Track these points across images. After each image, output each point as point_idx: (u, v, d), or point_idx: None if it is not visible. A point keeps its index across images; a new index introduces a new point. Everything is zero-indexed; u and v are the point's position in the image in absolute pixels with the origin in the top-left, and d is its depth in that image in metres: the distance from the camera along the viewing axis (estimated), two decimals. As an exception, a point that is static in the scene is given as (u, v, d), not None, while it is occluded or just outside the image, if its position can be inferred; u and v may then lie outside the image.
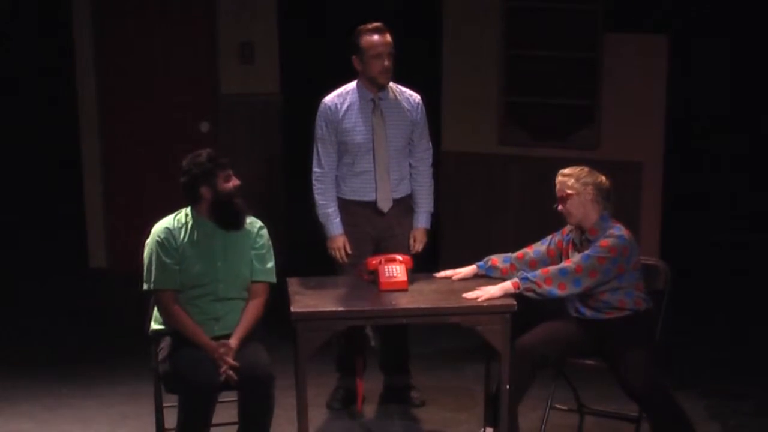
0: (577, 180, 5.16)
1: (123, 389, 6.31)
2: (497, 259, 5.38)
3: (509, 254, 5.37)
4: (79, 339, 7.12)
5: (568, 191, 5.16)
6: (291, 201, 8.11)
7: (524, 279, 5.08)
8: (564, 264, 5.11)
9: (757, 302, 7.49)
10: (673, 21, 7.50)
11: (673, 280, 5.41)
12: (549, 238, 5.38)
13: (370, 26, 5.66)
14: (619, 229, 5.15)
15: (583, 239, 5.23)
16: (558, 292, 5.07)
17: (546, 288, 5.06)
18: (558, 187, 5.20)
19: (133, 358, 6.40)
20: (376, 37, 5.62)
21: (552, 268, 5.09)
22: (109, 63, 8.12)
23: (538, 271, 5.09)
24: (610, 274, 5.10)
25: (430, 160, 5.93)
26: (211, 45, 8.11)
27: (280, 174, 8.30)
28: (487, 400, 5.53)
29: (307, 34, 8.69)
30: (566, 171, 5.22)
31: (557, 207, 5.20)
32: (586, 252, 5.09)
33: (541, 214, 7.59)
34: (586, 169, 5.22)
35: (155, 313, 5.14)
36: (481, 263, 5.38)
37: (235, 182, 5.09)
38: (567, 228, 5.37)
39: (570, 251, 5.27)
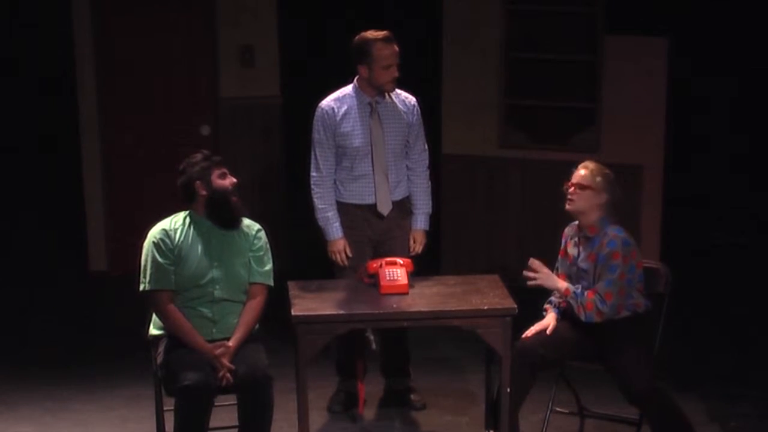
0: (603, 181, 5.23)
1: (123, 392, 6.30)
2: (555, 299, 5.44)
3: (553, 296, 5.43)
4: (80, 342, 7.11)
5: (589, 183, 5.22)
6: (291, 204, 8.11)
7: (575, 295, 5.19)
8: (598, 292, 5.16)
9: (758, 304, 7.49)
10: (673, 23, 7.49)
11: (674, 282, 5.42)
12: (556, 265, 5.45)
13: (380, 36, 5.63)
14: (620, 231, 5.21)
15: (581, 236, 5.28)
16: (596, 318, 5.17)
17: (585, 313, 5.16)
18: (581, 173, 5.25)
19: (134, 361, 6.40)
20: (387, 48, 5.60)
21: (595, 297, 5.15)
22: (109, 66, 8.11)
23: (587, 294, 5.17)
24: (633, 280, 5.21)
25: (427, 161, 5.93)
26: (211, 48, 8.11)
27: (280, 177, 8.30)
28: (488, 403, 5.54)
29: (308, 37, 8.69)
30: (592, 165, 5.29)
31: (568, 188, 5.24)
32: (609, 278, 5.15)
33: (541, 217, 7.64)
34: (612, 176, 5.29)
35: (154, 317, 5.15)
36: (555, 309, 5.40)
37: (231, 180, 5.12)
38: (566, 231, 5.40)
39: (570, 247, 5.34)
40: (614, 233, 5.19)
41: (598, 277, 5.19)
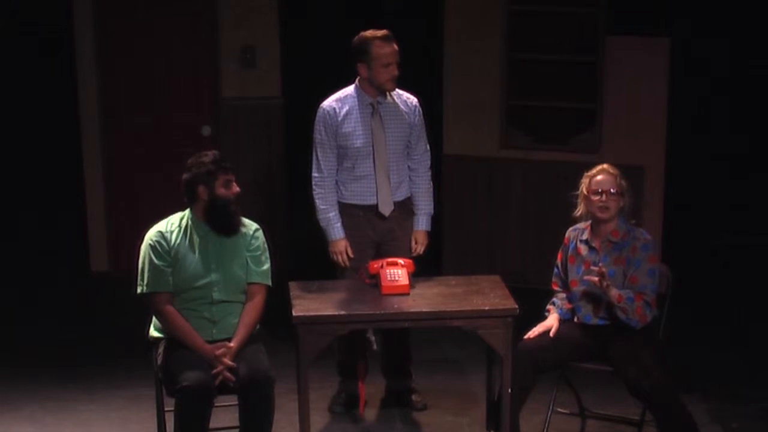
0: (625, 183, 5.28)
1: (125, 393, 6.30)
2: (558, 300, 5.42)
3: (556, 297, 5.43)
4: (81, 342, 7.11)
5: (618, 189, 5.24)
6: (292, 204, 8.11)
7: (629, 299, 5.13)
8: (645, 298, 5.16)
9: (759, 305, 7.48)
10: (674, 23, 7.49)
11: (675, 283, 5.42)
12: (555, 271, 5.44)
13: (379, 34, 5.63)
14: (645, 234, 5.27)
15: (604, 240, 5.27)
16: (641, 324, 5.16)
17: (634, 320, 5.14)
18: (607, 178, 5.24)
19: (135, 361, 6.40)
20: (386, 46, 5.60)
21: (642, 303, 5.14)
22: (110, 67, 8.11)
23: (635, 301, 5.13)
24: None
25: (429, 162, 5.93)
26: (213, 48, 8.11)
27: (281, 177, 8.30)
28: (489, 403, 5.54)
29: (309, 38, 8.68)
30: (612, 170, 5.30)
31: (604, 196, 5.20)
32: (649, 284, 5.17)
33: (542, 217, 7.64)
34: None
35: (154, 319, 5.14)
36: (558, 311, 5.38)
37: (234, 189, 5.08)
38: (569, 236, 5.39)
39: (582, 252, 5.29)
40: (645, 236, 5.23)
41: (630, 280, 5.18)
